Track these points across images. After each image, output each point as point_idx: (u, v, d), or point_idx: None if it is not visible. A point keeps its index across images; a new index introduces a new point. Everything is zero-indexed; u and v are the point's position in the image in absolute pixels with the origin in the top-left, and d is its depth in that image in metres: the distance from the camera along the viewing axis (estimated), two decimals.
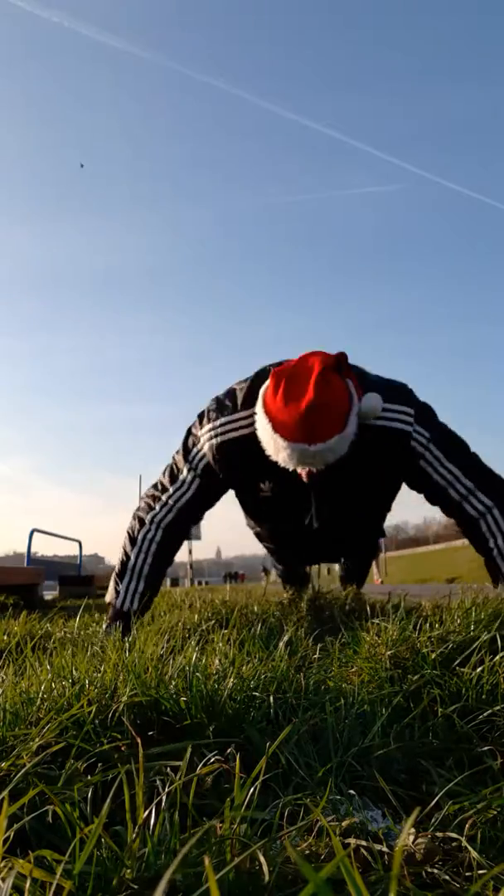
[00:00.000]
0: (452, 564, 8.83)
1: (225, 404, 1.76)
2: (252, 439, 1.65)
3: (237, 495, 1.98)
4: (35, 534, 7.52)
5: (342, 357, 1.62)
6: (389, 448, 1.68)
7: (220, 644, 1.13)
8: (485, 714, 0.83)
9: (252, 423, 1.65)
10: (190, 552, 20.87)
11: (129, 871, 0.45)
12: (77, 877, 0.43)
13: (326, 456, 1.50)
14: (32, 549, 7.54)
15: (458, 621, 1.24)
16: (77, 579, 6.42)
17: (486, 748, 0.76)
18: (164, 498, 1.83)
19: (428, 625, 1.19)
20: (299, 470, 1.57)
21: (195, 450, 1.81)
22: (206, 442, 1.77)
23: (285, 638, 1.12)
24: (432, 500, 1.81)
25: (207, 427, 1.76)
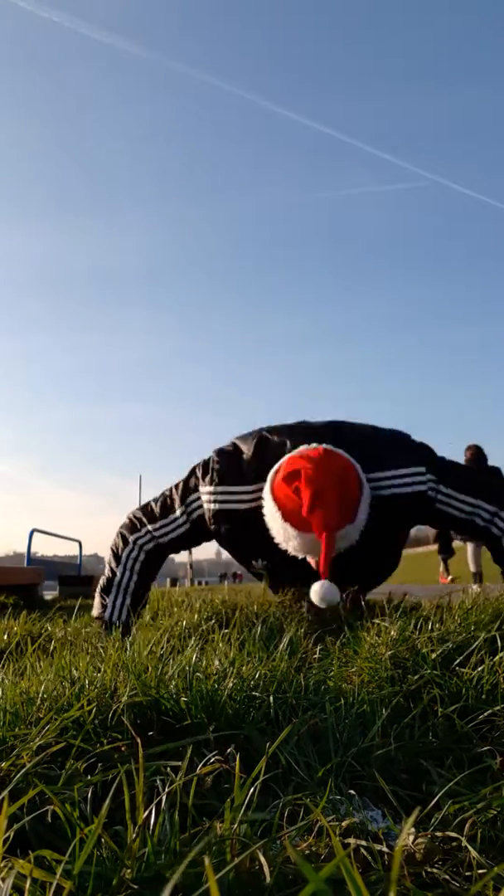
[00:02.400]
0: (453, 565, 8.84)
1: (229, 469, 1.75)
2: (253, 515, 1.65)
3: (228, 552, 1.98)
4: (35, 534, 7.52)
5: (343, 428, 1.66)
6: (407, 510, 1.69)
7: (220, 644, 1.13)
8: (485, 714, 0.83)
9: (255, 500, 1.67)
10: (190, 552, 20.86)
11: (129, 871, 0.45)
12: (77, 877, 0.43)
13: (338, 545, 1.52)
14: (32, 549, 7.54)
15: (458, 621, 1.24)
16: (77, 579, 6.43)
17: (486, 748, 0.76)
18: (150, 527, 1.83)
19: (428, 625, 1.19)
20: (309, 558, 1.58)
21: (193, 497, 1.80)
22: (205, 502, 1.76)
23: (285, 638, 1.12)
24: (460, 531, 1.83)
25: (209, 489, 1.75)
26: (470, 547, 7.43)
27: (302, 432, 1.71)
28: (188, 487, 1.82)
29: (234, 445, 1.80)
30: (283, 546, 1.58)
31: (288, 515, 1.52)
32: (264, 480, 1.64)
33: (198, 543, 1.90)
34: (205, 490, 1.76)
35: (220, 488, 1.73)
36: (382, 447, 1.72)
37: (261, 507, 1.63)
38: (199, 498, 1.78)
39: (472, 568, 7.37)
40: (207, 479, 1.77)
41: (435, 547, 8.54)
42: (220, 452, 1.80)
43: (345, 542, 1.55)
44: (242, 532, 1.73)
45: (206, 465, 1.80)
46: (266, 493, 1.59)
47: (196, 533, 1.82)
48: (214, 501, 1.73)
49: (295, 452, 1.59)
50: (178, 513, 1.81)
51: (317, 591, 1.42)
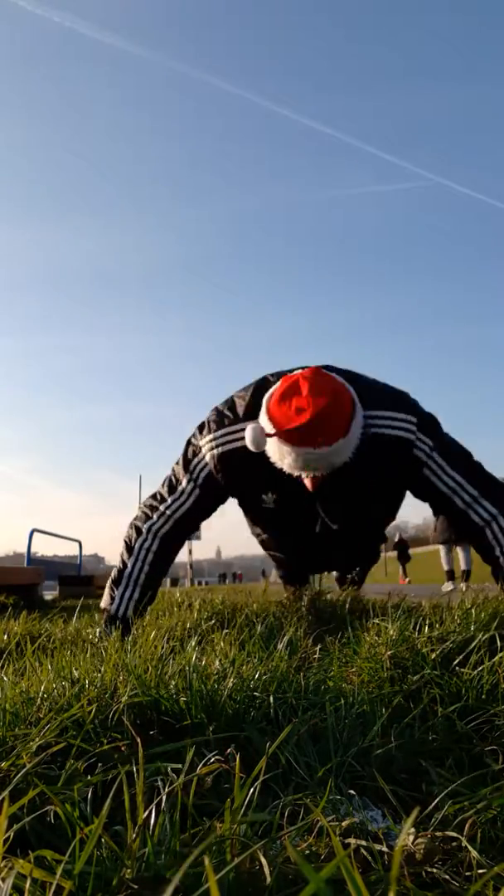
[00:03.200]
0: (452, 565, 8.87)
1: (225, 415, 1.77)
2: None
3: (240, 505, 1.98)
4: (35, 534, 7.52)
5: (344, 371, 1.67)
6: (392, 455, 1.69)
7: (220, 644, 1.13)
8: (485, 714, 0.83)
9: None
10: (190, 552, 20.88)
11: (129, 871, 0.45)
12: (77, 877, 0.43)
13: (331, 459, 1.53)
14: (32, 549, 7.54)
15: (458, 621, 1.24)
16: (77, 579, 6.43)
17: (486, 748, 0.76)
18: (161, 508, 1.84)
19: (428, 625, 1.19)
20: (304, 477, 1.58)
21: (196, 459, 1.81)
22: (207, 452, 1.77)
23: (285, 638, 1.12)
24: (437, 508, 1.82)
25: (208, 437, 1.77)
26: (442, 549, 7.63)
27: (300, 369, 1.73)
28: (187, 458, 1.83)
29: (231, 397, 1.83)
30: (279, 464, 1.58)
31: (282, 432, 1.52)
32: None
33: (212, 508, 1.90)
34: (205, 441, 1.78)
35: (218, 432, 1.75)
36: (381, 390, 1.74)
37: None
38: (201, 459, 1.79)
39: (444, 566, 7.54)
40: (205, 431, 1.79)
41: (435, 547, 8.68)
42: (215, 409, 1.83)
43: (337, 458, 1.54)
44: (247, 468, 1.72)
45: (200, 425, 1.83)
46: (262, 415, 1.60)
47: (207, 495, 1.82)
48: (216, 446, 1.75)
49: (289, 374, 1.61)
50: (184, 482, 1.82)
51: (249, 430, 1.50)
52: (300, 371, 1.61)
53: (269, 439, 1.56)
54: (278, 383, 1.61)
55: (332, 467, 1.55)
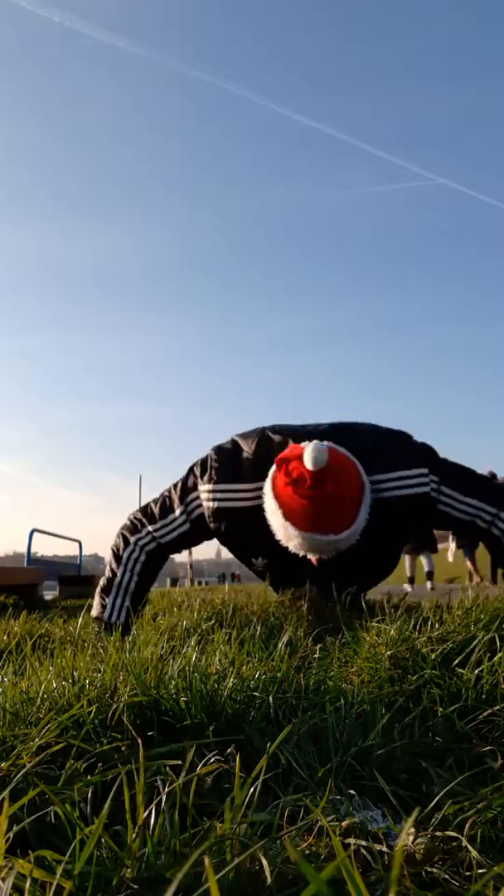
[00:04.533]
0: (452, 565, 8.91)
1: (228, 466, 1.74)
2: (253, 512, 1.65)
3: (228, 549, 1.97)
4: (35, 534, 7.52)
5: (345, 430, 1.67)
6: (410, 511, 1.68)
7: (220, 644, 1.13)
8: (485, 714, 0.83)
9: (255, 497, 1.66)
10: (190, 552, 20.86)
11: (129, 871, 0.45)
12: (77, 877, 0.43)
13: (339, 545, 1.53)
14: (32, 549, 7.54)
15: (458, 621, 1.24)
16: (77, 579, 6.43)
17: (486, 748, 0.76)
18: (150, 528, 1.83)
19: (428, 625, 1.19)
20: (310, 556, 1.58)
21: (193, 496, 1.79)
22: (205, 500, 1.76)
23: (285, 638, 1.12)
24: (462, 532, 1.83)
25: (209, 487, 1.74)
26: (408, 558, 7.94)
27: (304, 432, 1.71)
28: (186, 487, 1.82)
29: (234, 443, 1.80)
30: (284, 544, 1.59)
31: (289, 514, 1.52)
32: (264, 479, 1.64)
33: (198, 542, 1.90)
34: (204, 488, 1.76)
35: (219, 486, 1.73)
36: (385, 448, 1.71)
37: (261, 504, 1.63)
38: (198, 497, 1.78)
39: (407, 573, 7.89)
40: (206, 477, 1.76)
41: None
42: (219, 450, 1.79)
43: (345, 544, 1.55)
44: (243, 530, 1.73)
45: (204, 463, 1.80)
46: (267, 491, 1.59)
47: (196, 532, 1.82)
48: (214, 500, 1.73)
49: (296, 448, 1.59)
50: (177, 513, 1.80)
51: (309, 450, 1.44)
52: (306, 444, 1.57)
53: (275, 517, 1.56)
54: (285, 455, 1.57)
55: (339, 551, 1.56)
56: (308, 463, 1.44)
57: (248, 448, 1.75)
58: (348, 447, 1.63)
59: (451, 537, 8.74)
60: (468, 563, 8.34)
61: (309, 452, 1.44)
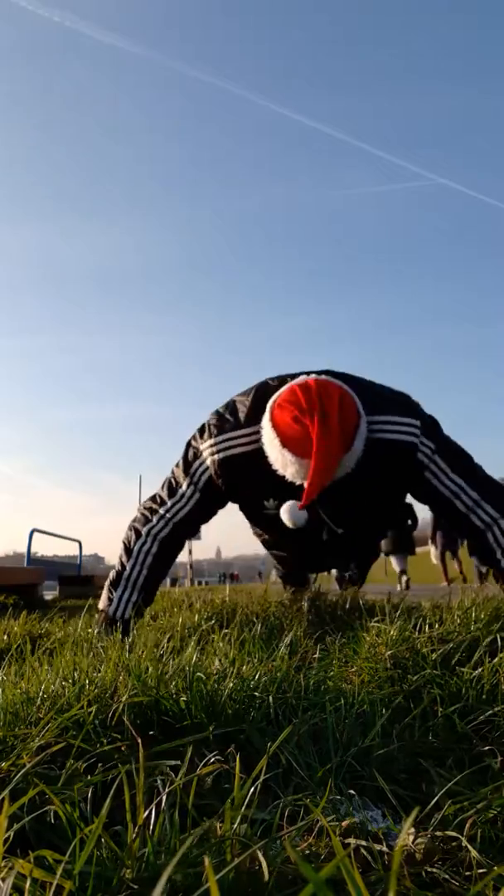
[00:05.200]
0: (452, 565, 8.95)
1: (227, 419, 1.75)
2: (255, 456, 1.65)
3: (241, 510, 1.98)
4: (35, 534, 7.52)
5: (347, 375, 1.66)
6: (396, 460, 1.68)
7: (220, 644, 1.13)
8: (485, 714, 0.83)
9: (256, 440, 1.66)
10: (190, 552, 20.87)
11: (129, 871, 0.45)
12: (77, 877, 0.43)
13: (336, 472, 1.52)
14: (32, 549, 7.54)
15: (458, 621, 1.24)
16: (77, 579, 6.43)
17: (486, 748, 0.76)
18: (161, 511, 1.83)
19: (428, 625, 1.19)
20: (306, 484, 1.58)
21: (196, 463, 1.80)
22: (208, 457, 1.76)
23: (285, 638, 1.12)
24: (438, 511, 1.82)
25: (209, 442, 1.75)
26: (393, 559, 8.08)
27: (302, 375, 1.72)
28: (188, 460, 1.82)
29: (232, 400, 1.81)
30: (282, 472, 1.58)
31: (286, 441, 1.52)
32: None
33: (212, 512, 1.89)
34: (205, 446, 1.76)
35: (219, 437, 1.73)
36: (383, 394, 1.73)
37: (262, 445, 1.63)
38: (201, 462, 1.78)
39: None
40: (205, 435, 1.77)
41: (426, 549, 9.08)
42: (216, 411, 1.81)
43: (340, 470, 1.54)
44: (248, 475, 1.72)
45: (201, 428, 1.81)
46: (265, 423, 1.60)
47: (207, 500, 1.82)
48: (216, 451, 1.73)
49: (293, 381, 1.60)
50: (184, 486, 1.81)
51: (286, 510, 1.50)
52: (304, 378, 1.60)
53: (272, 447, 1.56)
54: (282, 390, 1.60)
55: (336, 477, 1.55)
56: (285, 520, 1.48)
57: (246, 398, 1.76)
58: (347, 383, 1.64)
59: (429, 541, 8.96)
60: (454, 565, 8.55)
61: (287, 511, 1.48)
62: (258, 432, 1.65)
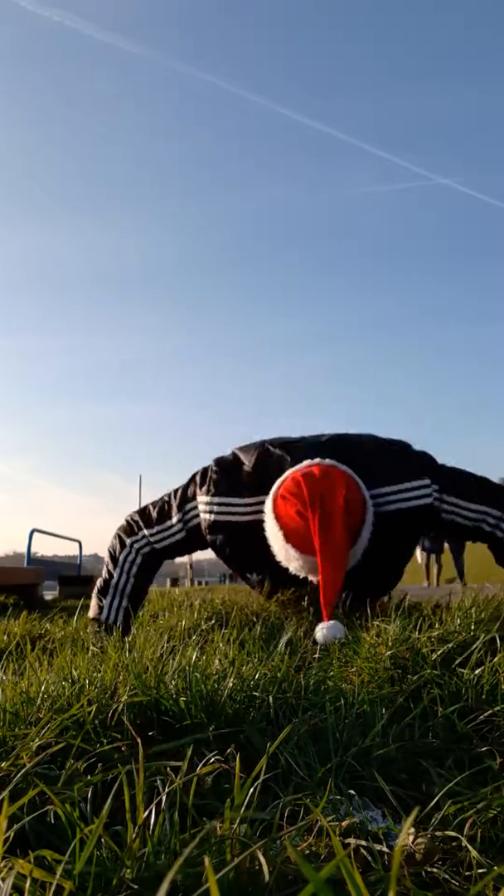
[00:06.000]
0: (452, 565, 9.00)
1: (228, 478, 1.73)
2: (250, 529, 1.65)
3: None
4: (35, 534, 7.52)
5: (349, 442, 1.66)
6: (413, 523, 1.68)
7: (220, 644, 1.13)
8: (485, 714, 0.83)
9: (253, 513, 1.66)
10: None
11: (129, 871, 0.45)
12: (77, 877, 0.43)
13: (345, 570, 1.50)
14: (32, 549, 7.54)
15: (458, 621, 1.24)
16: (77, 579, 6.42)
17: (486, 748, 0.76)
18: (146, 532, 1.83)
19: (428, 625, 1.19)
20: (311, 578, 1.57)
21: (190, 506, 1.79)
22: (202, 511, 1.75)
23: (285, 638, 1.12)
24: (467, 537, 1.82)
25: (206, 499, 1.73)
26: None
27: (302, 447, 1.70)
28: (186, 495, 1.81)
29: (234, 456, 1.79)
30: (285, 565, 1.58)
31: (290, 536, 1.51)
32: (263, 494, 1.63)
33: (193, 551, 1.91)
34: (202, 500, 1.75)
35: (217, 499, 1.72)
36: (385, 461, 1.70)
37: (259, 520, 1.62)
38: (196, 507, 1.77)
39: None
40: (205, 488, 1.75)
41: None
42: (220, 462, 1.78)
43: (348, 564, 1.53)
44: (239, 545, 1.73)
45: (204, 473, 1.79)
46: (267, 510, 1.58)
47: (192, 541, 1.82)
48: (211, 512, 1.72)
49: (297, 469, 1.57)
50: (174, 520, 1.80)
51: (321, 631, 1.33)
52: (306, 466, 1.57)
53: (275, 539, 1.55)
54: (285, 477, 1.57)
55: (346, 569, 1.53)
56: (321, 640, 1.35)
57: (247, 461, 1.74)
58: (348, 460, 1.62)
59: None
60: (434, 570, 8.89)
61: (323, 632, 1.34)
62: (256, 506, 1.65)
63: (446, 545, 8.90)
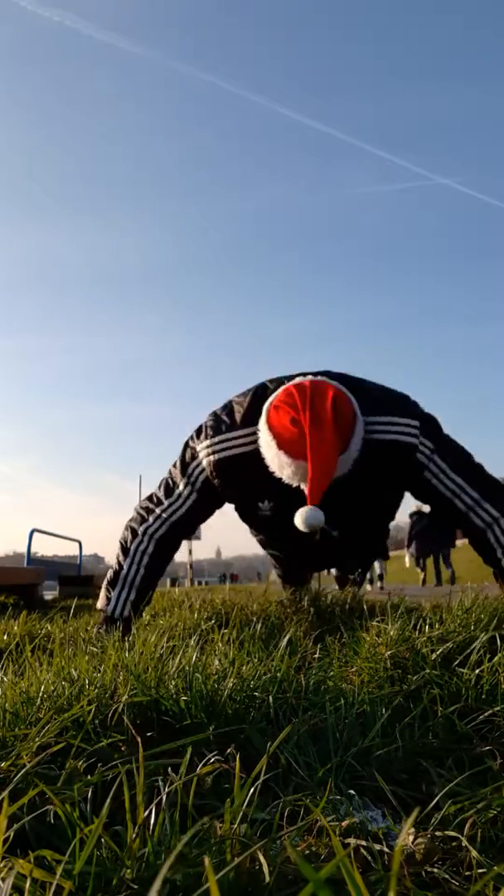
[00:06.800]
0: (452, 565, 9.05)
1: (223, 420, 1.76)
2: (252, 457, 1.65)
3: (237, 510, 1.98)
4: (35, 534, 7.52)
5: (345, 376, 1.66)
6: (395, 460, 1.68)
7: (220, 644, 1.13)
8: (485, 714, 0.83)
9: (252, 441, 1.66)
10: (190, 552, 20.88)
11: (129, 871, 0.45)
12: (77, 877, 0.43)
13: (333, 472, 1.52)
14: (32, 549, 7.54)
15: (458, 621, 1.24)
16: (77, 579, 6.42)
17: (486, 748, 0.76)
18: (157, 511, 1.83)
19: (428, 625, 1.19)
20: (303, 486, 1.58)
21: (193, 464, 1.80)
22: (204, 457, 1.76)
23: (285, 638, 1.12)
24: (439, 510, 1.81)
25: (206, 443, 1.75)
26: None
27: (299, 376, 1.71)
28: (185, 460, 1.82)
29: (229, 401, 1.81)
30: (278, 474, 1.58)
31: (282, 443, 1.53)
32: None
33: (209, 513, 1.89)
34: (201, 447, 1.76)
35: (216, 438, 1.73)
36: (382, 395, 1.73)
37: (259, 446, 1.64)
38: (198, 463, 1.78)
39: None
40: (202, 436, 1.77)
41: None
42: (213, 412, 1.81)
43: (336, 472, 1.54)
44: (244, 476, 1.72)
45: (198, 429, 1.81)
46: (262, 424, 1.60)
47: (204, 500, 1.82)
48: (212, 452, 1.74)
49: (289, 383, 1.60)
50: (181, 486, 1.81)
51: (301, 514, 1.44)
52: (300, 379, 1.60)
53: (268, 449, 1.56)
54: (278, 392, 1.60)
55: (333, 479, 1.54)
56: (301, 525, 1.45)
57: (243, 400, 1.76)
58: (344, 384, 1.64)
59: (405, 548, 9.67)
60: (421, 574, 9.29)
61: (301, 516, 1.45)
62: (254, 433, 1.66)
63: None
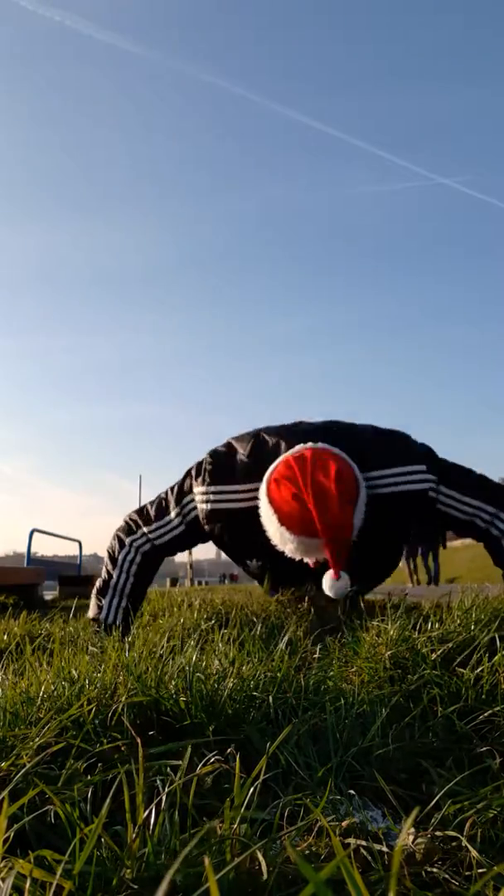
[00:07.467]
0: (452, 565, 9.03)
1: (223, 467, 1.74)
2: (246, 514, 1.65)
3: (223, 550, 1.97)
4: (35, 534, 7.52)
5: (339, 427, 1.67)
6: (408, 508, 1.68)
7: (220, 644, 1.13)
8: (485, 714, 0.83)
9: (250, 499, 1.66)
10: (190, 552, 20.84)
11: (129, 871, 0.45)
12: (77, 877, 0.43)
13: (350, 538, 1.51)
14: (32, 549, 7.54)
15: (458, 621, 1.24)
16: (77, 579, 6.42)
17: (485, 748, 0.76)
18: (145, 529, 1.84)
19: (428, 625, 1.19)
20: (307, 560, 1.58)
21: (188, 499, 1.80)
22: (199, 502, 1.76)
23: (285, 638, 1.12)
24: (461, 532, 1.82)
25: (202, 489, 1.75)
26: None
27: (297, 433, 1.70)
28: (182, 490, 1.82)
29: (229, 445, 1.80)
30: (280, 548, 1.58)
31: (284, 519, 1.51)
32: (259, 480, 1.63)
33: (193, 545, 1.91)
34: (198, 490, 1.76)
35: (212, 488, 1.73)
36: (382, 445, 1.71)
37: (255, 506, 1.63)
38: (193, 499, 1.78)
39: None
40: (200, 479, 1.77)
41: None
42: (214, 453, 1.80)
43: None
44: (237, 532, 1.73)
45: (199, 466, 1.80)
46: (262, 496, 1.59)
47: (191, 534, 1.82)
48: (208, 501, 1.73)
49: (289, 453, 1.58)
50: (172, 514, 1.81)
51: (329, 585, 1.44)
52: (300, 448, 1.58)
53: (270, 523, 1.55)
54: (278, 462, 1.58)
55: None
56: (330, 594, 1.45)
57: (242, 450, 1.75)
58: (344, 444, 1.63)
59: None
60: (408, 569, 9.18)
61: (329, 586, 1.45)
62: (252, 492, 1.65)
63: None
